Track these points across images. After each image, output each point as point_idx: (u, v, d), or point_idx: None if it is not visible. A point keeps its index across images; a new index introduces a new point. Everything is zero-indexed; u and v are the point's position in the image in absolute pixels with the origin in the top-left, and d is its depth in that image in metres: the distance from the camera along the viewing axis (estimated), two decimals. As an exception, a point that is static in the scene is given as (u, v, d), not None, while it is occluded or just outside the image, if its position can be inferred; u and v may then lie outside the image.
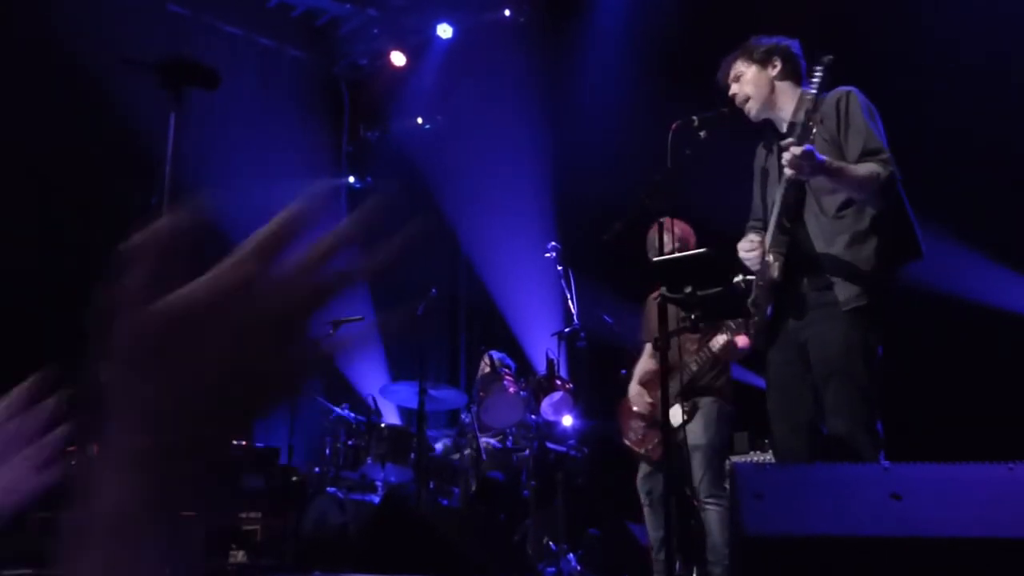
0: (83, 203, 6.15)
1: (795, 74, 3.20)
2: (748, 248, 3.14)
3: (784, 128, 3.17)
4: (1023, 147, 4.58)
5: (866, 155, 2.93)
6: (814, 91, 2.99)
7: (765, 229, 3.20)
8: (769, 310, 3.10)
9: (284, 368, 0.49)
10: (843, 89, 3.06)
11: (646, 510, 4.42)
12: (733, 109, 3.25)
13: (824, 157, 2.83)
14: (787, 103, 3.17)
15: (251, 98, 7.53)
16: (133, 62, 2.65)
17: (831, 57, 2.99)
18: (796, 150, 2.78)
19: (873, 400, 2.91)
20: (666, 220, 3.80)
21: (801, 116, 2.96)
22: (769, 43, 3.23)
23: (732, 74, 3.25)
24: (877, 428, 2.89)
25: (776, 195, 3.06)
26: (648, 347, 4.64)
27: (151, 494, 0.46)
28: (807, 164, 2.78)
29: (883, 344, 2.98)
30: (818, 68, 3.00)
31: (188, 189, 3.09)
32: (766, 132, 3.32)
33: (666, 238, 4.16)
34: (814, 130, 2.93)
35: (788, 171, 2.84)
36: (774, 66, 3.19)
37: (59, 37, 5.96)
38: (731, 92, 3.24)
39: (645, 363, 4.62)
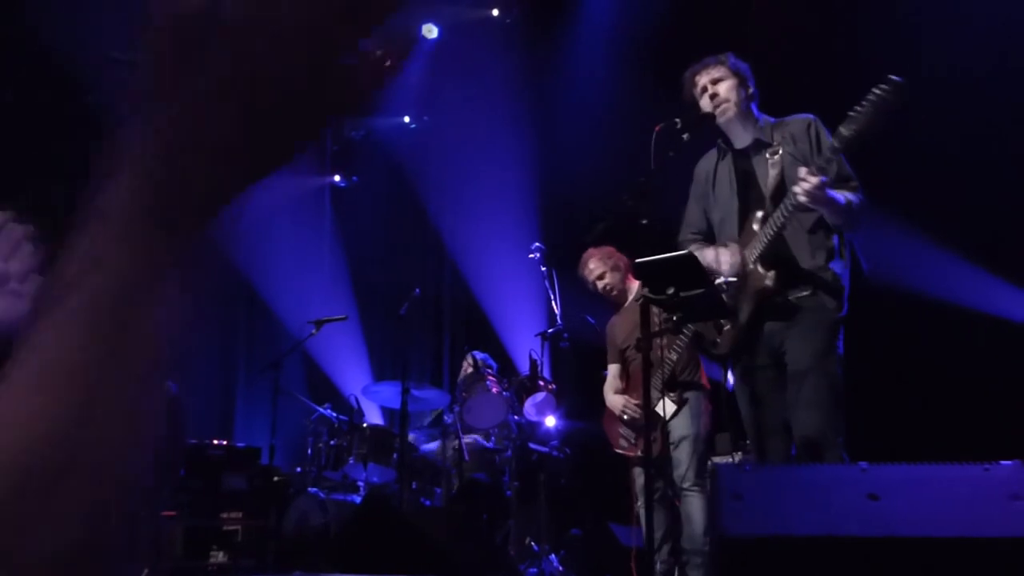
0: (64, 201, 6.09)
1: (755, 99, 3.40)
2: (727, 259, 3.21)
3: (743, 144, 3.33)
4: (1015, 150, 4.63)
5: (839, 182, 3.08)
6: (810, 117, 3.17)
7: (706, 241, 3.42)
8: (744, 316, 3.17)
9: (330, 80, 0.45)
10: (807, 116, 3.22)
11: (643, 512, 4.41)
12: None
13: (832, 192, 2.97)
14: (748, 122, 3.35)
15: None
16: (117, 59, 2.63)
17: (903, 81, 2.81)
18: (815, 180, 2.87)
19: (842, 402, 3.07)
20: (591, 249, 4.49)
21: (772, 135, 3.18)
22: (745, 66, 3.39)
23: (714, 74, 3.32)
24: (840, 427, 3.04)
25: (778, 209, 3.11)
26: (613, 368, 4.64)
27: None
28: (822, 194, 2.92)
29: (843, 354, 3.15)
30: (884, 87, 2.81)
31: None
32: (719, 141, 3.44)
33: (592, 264, 4.58)
34: (780, 151, 3.03)
35: (803, 198, 2.93)
36: (747, 88, 3.35)
37: (45, 35, 5.91)
38: (709, 91, 3.29)
39: (613, 383, 4.62)
